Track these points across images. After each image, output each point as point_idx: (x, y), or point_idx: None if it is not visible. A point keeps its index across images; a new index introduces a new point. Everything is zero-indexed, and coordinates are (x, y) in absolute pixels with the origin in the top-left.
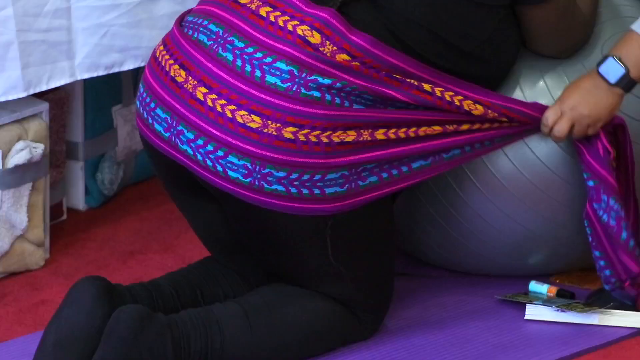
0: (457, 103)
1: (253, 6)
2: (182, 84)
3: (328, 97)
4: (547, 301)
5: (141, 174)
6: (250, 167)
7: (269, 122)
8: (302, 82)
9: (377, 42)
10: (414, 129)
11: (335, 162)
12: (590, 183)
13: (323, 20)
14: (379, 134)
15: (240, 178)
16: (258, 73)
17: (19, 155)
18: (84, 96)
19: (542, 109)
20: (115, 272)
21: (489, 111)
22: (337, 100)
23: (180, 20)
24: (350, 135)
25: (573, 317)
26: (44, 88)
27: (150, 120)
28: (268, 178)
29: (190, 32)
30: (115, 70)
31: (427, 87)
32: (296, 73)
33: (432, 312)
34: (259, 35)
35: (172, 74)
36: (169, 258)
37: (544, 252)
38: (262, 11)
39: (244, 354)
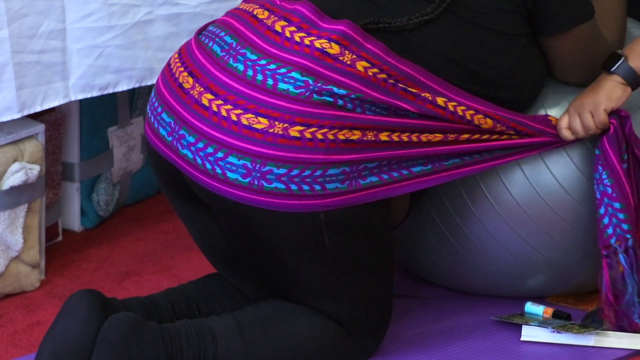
0: (468, 117)
1: (269, 22)
2: (189, 90)
3: (340, 102)
4: (543, 322)
5: (137, 195)
6: (250, 166)
7: (276, 122)
8: (316, 89)
9: (390, 50)
10: (417, 134)
11: (337, 158)
12: (597, 152)
13: (340, 33)
14: (383, 136)
15: (240, 179)
16: (270, 81)
17: (15, 176)
18: (79, 118)
19: (548, 121)
20: (110, 293)
21: (498, 125)
22: (350, 105)
23: (202, 30)
24: (356, 135)
25: (569, 339)
26: (38, 109)
27: (156, 125)
28: (268, 176)
29: (207, 41)
30: (110, 91)
31: (440, 101)
32: (311, 82)
33: (429, 333)
34: (273, 50)
35: (180, 80)
36: (165, 279)
37: (546, 274)
38: (277, 26)
39: None
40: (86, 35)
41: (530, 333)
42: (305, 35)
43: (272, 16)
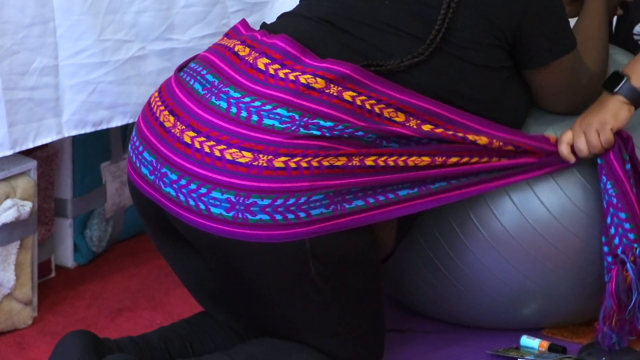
0: (460, 134)
1: (251, 59)
2: (170, 129)
3: (328, 134)
4: (538, 356)
5: (130, 231)
6: (233, 199)
7: (260, 155)
8: (302, 123)
9: (378, 77)
10: (404, 158)
11: (322, 184)
12: (598, 161)
13: (325, 69)
14: (369, 161)
15: (224, 213)
16: (255, 117)
17: (7, 213)
18: (72, 153)
19: (546, 139)
20: (103, 329)
21: (494, 140)
22: (336, 133)
23: (183, 66)
24: (341, 161)
25: None
26: (30, 146)
27: (138, 164)
28: (252, 208)
29: (188, 79)
30: (103, 127)
31: (427, 127)
32: (297, 118)
33: None
34: (257, 87)
35: (161, 119)
36: (158, 315)
37: (540, 303)
38: (260, 64)
39: None
40: (79, 71)
41: None
42: (290, 71)
43: (253, 52)
